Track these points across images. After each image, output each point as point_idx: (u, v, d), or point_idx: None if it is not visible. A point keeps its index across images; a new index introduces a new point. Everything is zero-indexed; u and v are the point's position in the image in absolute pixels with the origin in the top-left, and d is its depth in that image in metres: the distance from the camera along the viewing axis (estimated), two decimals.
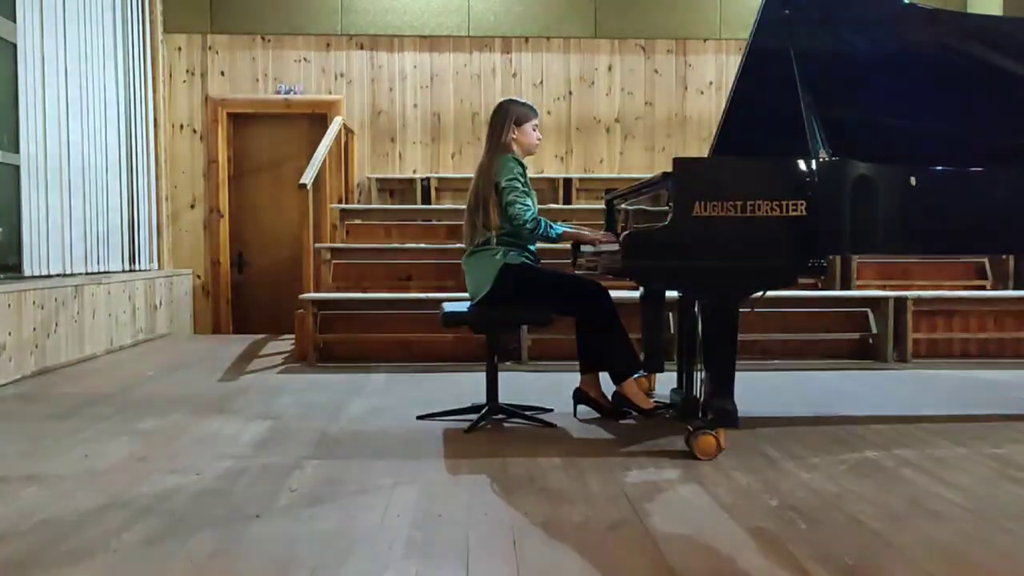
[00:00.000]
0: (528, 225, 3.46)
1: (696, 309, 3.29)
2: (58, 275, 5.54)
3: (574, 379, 3.71)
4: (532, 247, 3.62)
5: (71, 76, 5.84)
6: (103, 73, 6.37)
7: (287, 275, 7.05)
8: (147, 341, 6.47)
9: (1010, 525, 2.28)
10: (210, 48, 7.42)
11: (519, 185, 3.49)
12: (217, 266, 7.42)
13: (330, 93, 7.46)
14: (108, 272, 6.27)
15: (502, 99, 3.80)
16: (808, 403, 4.05)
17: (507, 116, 3.62)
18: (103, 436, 3.32)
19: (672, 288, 3.99)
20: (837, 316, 5.52)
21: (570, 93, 7.60)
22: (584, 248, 3.84)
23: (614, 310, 3.52)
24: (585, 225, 3.99)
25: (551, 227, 3.54)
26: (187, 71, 7.41)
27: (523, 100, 3.76)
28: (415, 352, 5.37)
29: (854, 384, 4.61)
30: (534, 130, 3.66)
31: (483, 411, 3.52)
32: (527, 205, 3.48)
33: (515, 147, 3.60)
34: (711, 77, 7.67)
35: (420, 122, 7.55)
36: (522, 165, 3.56)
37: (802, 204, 2.96)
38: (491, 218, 3.51)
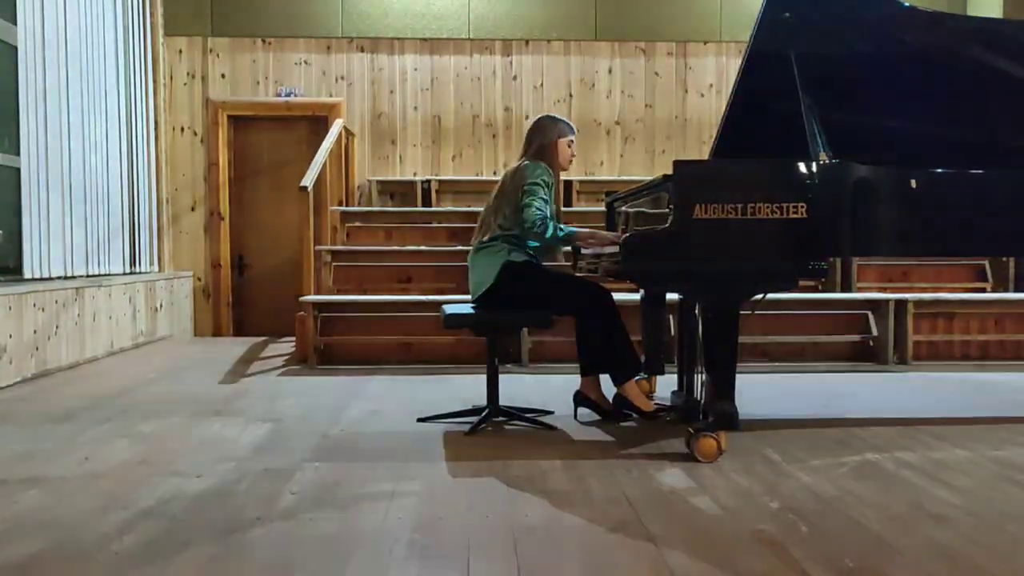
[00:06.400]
0: (536, 227, 3.43)
1: (697, 311, 3.29)
2: (59, 277, 5.55)
3: (575, 381, 3.71)
4: (534, 244, 3.61)
5: (72, 79, 5.85)
6: (104, 75, 6.37)
7: (287, 277, 7.05)
8: (148, 343, 6.48)
9: (1011, 527, 2.28)
10: (211, 51, 7.42)
11: (540, 190, 3.48)
12: (218, 268, 7.42)
13: (331, 96, 7.46)
14: (109, 275, 6.27)
15: (541, 114, 3.82)
16: (809, 405, 4.05)
17: (543, 131, 3.65)
18: (104, 439, 3.32)
19: (672, 290, 3.99)
20: (837, 318, 5.53)
21: (570, 95, 7.61)
22: (585, 251, 3.84)
23: (615, 311, 3.52)
24: (586, 227, 3.98)
25: (560, 229, 3.50)
26: (188, 74, 7.42)
27: (561, 117, 3.75)
28: (415, 354, 5.37)
29: (855, 386, 4.61)
30: (569, 147, 3.68)
31: (484, 413, 3.52)
32: (541, 209, 3.45)
33: (548, 160, 3.60)
34: (711, 79, 7.68)
35: (420, 125, 7.55)
36: (549, 175, 3.55)
37: (802, 206, 2.97)
38: (507, 217, 3.53)
